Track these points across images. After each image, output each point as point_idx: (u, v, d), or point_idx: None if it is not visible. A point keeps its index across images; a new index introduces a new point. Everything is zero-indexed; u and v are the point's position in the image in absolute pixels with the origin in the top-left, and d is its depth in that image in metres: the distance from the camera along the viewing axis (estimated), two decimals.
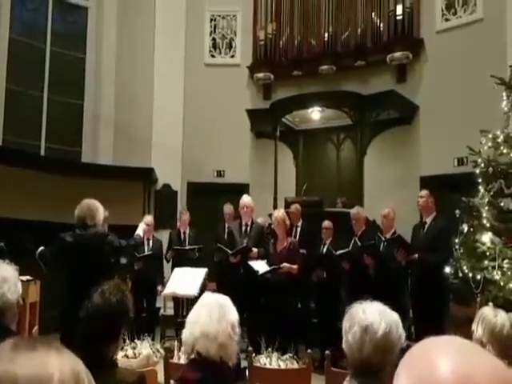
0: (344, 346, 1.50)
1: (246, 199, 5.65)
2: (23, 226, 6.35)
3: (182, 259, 5.85)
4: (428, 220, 4.96)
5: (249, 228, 5.54)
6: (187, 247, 6.10)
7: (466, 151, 4.33)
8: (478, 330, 1.92)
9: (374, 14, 7.57)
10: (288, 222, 5.15)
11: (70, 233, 3.46)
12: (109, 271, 3.32)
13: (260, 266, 4.97)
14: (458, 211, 3.92)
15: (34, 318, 4.57)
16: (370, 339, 1.43)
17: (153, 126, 8.40)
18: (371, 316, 1.46)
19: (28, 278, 4.30)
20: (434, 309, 4.37)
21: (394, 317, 1.50)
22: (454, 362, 0.54)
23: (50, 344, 0.64)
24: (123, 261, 5.45)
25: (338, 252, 5.11)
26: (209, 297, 1.77)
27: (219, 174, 8.45)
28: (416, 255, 4.76)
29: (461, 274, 3.45)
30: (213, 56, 8.80)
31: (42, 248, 3.57)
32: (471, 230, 3.73)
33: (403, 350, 1.31)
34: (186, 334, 1.65)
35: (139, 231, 3.98)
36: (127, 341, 3.38)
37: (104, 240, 3.48)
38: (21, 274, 2.10)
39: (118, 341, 1.83)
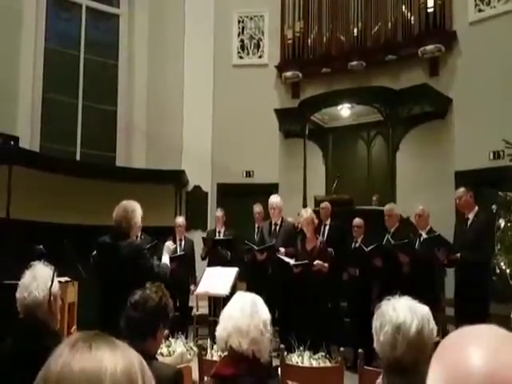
0: (375, 345, 1.48)
1: (273, 199, 5.65)
2: (61, 229, 6.56)
3: (215, 258, 5.88)
4: (470, 216, 4.82)
5: (278, 227, 5.54)
6: (215, 237, 6.09)
7: (501, 144, 4.21)
8: None
9: (404, 7, 7.42)
10: (316, 221, 5.12)
11: (107, 236, 3.52)
12: (142, 279, 3.30)
13: (291, 260, 4.99)
14: (494, 206, 3.80)
15: (72, 318, 4.72)
16: (402, 338, 1.41)
17: (183, 129, 8.53)
18: (402, 314, 1.44)
19: (66, 279, 4.44)
20: (476, 307, 4.26)
21: (424, 311, 1.47)
22: (487, 354, 0.52)
23: (105, 341, 0.66)
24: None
25: (369, 248, 5.04)
26: (242, 295, 1.80)
27: (248, 174, 8.48)
28: (458, 254, 4.63)
29: (498, 271, 3.34)
30: (241, 57, 8.85)
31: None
32: (508, 225, 3.60)
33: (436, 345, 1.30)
34: (219, 329, 1.69)
35: (166, 260, 3.91)
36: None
37: (139, 253, 3.45)
38: (60, 275, 2.13)
39: (157, 339, 1.88)
